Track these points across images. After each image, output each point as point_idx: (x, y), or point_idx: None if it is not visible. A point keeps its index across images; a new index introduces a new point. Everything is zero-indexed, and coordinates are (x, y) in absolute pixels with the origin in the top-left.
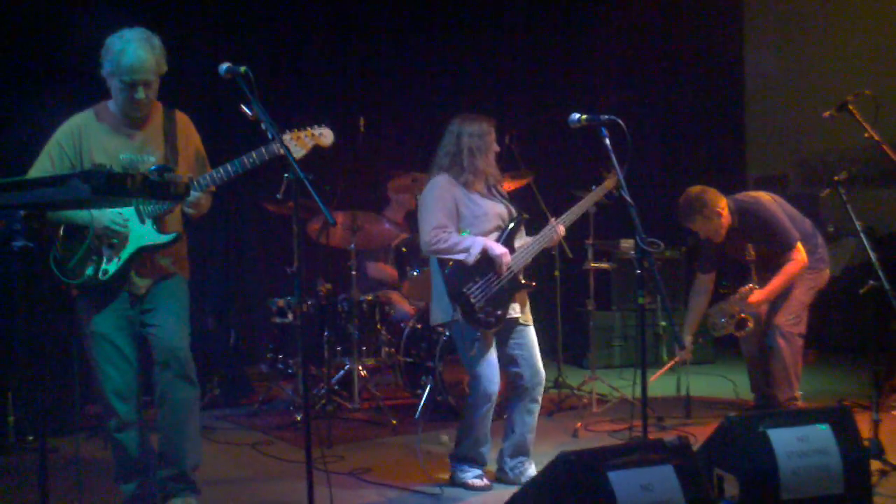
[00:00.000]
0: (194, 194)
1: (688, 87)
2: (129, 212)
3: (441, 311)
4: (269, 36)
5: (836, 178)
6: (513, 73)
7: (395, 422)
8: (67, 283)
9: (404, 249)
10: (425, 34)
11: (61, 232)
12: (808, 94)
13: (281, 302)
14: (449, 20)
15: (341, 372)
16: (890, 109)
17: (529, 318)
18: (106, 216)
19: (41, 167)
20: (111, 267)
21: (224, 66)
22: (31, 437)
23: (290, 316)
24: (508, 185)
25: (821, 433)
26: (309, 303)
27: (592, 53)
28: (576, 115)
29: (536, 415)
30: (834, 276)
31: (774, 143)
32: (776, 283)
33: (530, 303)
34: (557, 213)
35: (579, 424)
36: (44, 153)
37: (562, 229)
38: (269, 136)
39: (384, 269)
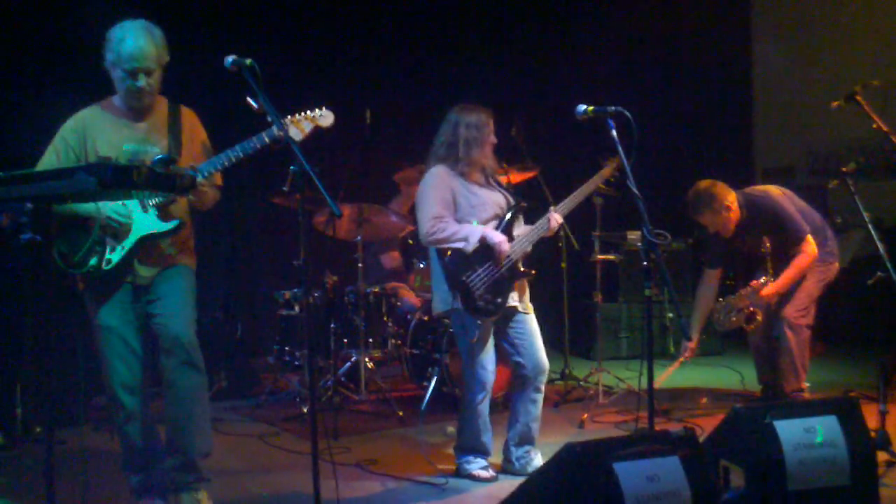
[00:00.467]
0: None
1: (695, 78)
2: (131, 201)
3: (441, 300)
4: (274, 28)
5: (844, 169)
6: (519, 65)
7: (401, 413)
8: (71, 274)
9: (411, 241)
10: (431, 26)
11: (60, 224)
12: (815, 85)
13: (287, 294)
14: (454, 11)
15: (348, 364)
16: None
17: (530, 307)
18: (109, 206)
19: (47, 162)
20: (114, 256)
21: (230, 58)
22: (38, 429)
23: (297, 308)
24: (515, 178)
25: (827, 424)
26: (316, 295)
27: (599, 45)
28: (582, 107)
29: (540, 404)
30: (842, 267)
31: (782, 135)
32: (787, 276)
33: (537, 294)
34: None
35: (585, 416)
36: (49, 149)
37: (558, 217)
38: (276, 128)
39: (398, 258)
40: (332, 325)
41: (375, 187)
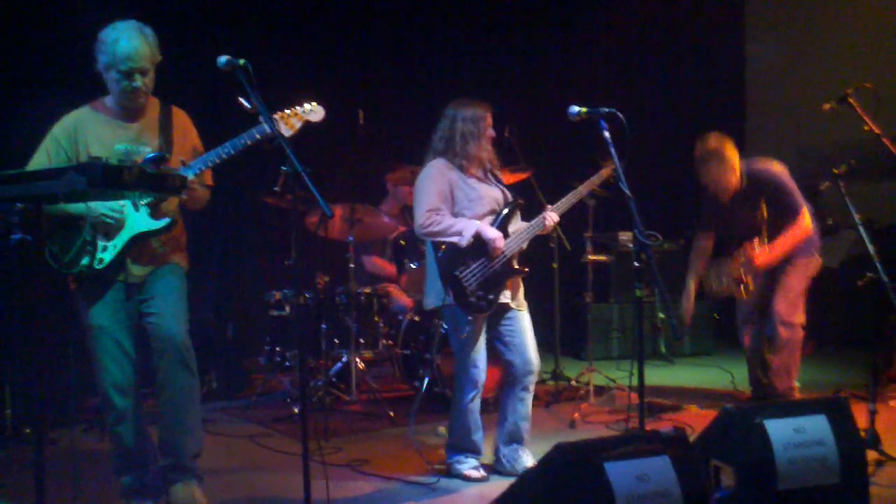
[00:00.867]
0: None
1: (688, 78)
2: (123, 200)
3: (434, 296)
4: (266, 28)
5: (835, 170)
6: (512, 66)
7: (392, 414)
8: (63, 274)
9: (402, 242)
10: (425, 26)
11: (51, 224)
12: (808, 87)
13: (278, 295)
14: (448, 12)
15: (339, 364)
16: (890, 102)
17: (523, 304)
18: (101, 204)
19: (37, 163)
20: (106, 255)
21: (223, 58)
22: (28, 430)
23: (287, 309)
24: (508, 179)
25: (817, 424)
26: (307, 295)
27: (592, 46)
28: (575, 108)
29: (529, 403)
30: (832, 268)
31: (774, 136)
32: (781, 246)
33: (529, 295)
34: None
35: (576, 415)
36: (40, 149)
37: (555, 216)
38: (268, 129)
39: (379, 264)
40: (324, 326)
41: (368, 188)
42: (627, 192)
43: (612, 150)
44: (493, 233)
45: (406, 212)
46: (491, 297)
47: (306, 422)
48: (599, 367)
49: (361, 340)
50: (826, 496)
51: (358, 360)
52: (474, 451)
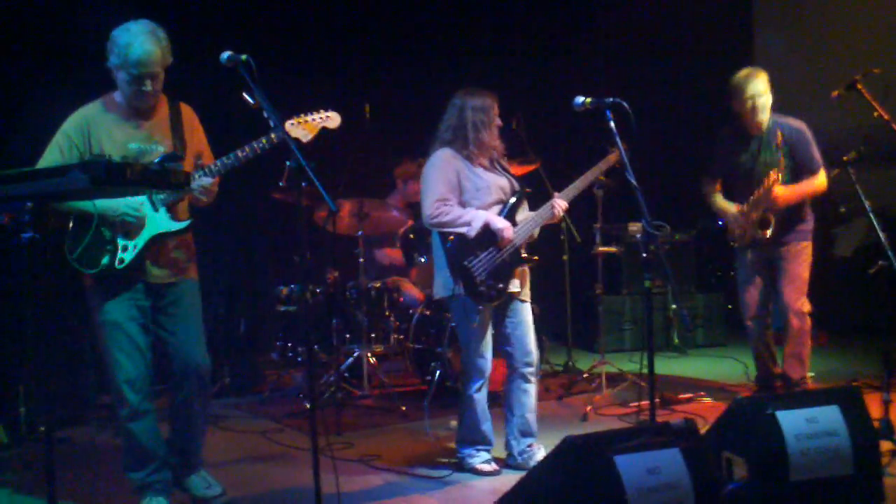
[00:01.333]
0: (206, 180)
1: (697, 67)
2: (141, 199)
3: (442, 286)
4: (272, 23)
5: (845, 158)
6: (519, 57)
7: (404, 408)
8: (84, 273)
9: (412, 236)
10: (431, 20)
11: (71, 223)
12: (817, 74)
13: (285, 290)
14: (455, 4)
15: (350, 359)
16: None
17: (528, 295)
18: (121, 205)
19: (50, 159)
20: (127, 255)
21: (226, 54)
22: (42, 428)
23: (295, 304)
24: (516, 171)
25: (830, 414)
26: (318, 290)
27: (599, 36)
28: (580, 99)
29: (532, 395)
30: (846, 256)
31: None
32: (799, 189)
33: (540, 287)
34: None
35: (589, 408)
36: (52, 144)
37: (563, 203)
38: (272, 123)
39: (391, 255)
40: (334, 321)
41: (375, 182)
42: (634, 182)
43: (618, 140)
44: (501, 222)
45: (413, 206)
46: (501, 286)
47: (315, 417)
48: (612, 359)
49: (373, 335)
50: (839, 487)
51: (369, 354)
52: (484, 442)
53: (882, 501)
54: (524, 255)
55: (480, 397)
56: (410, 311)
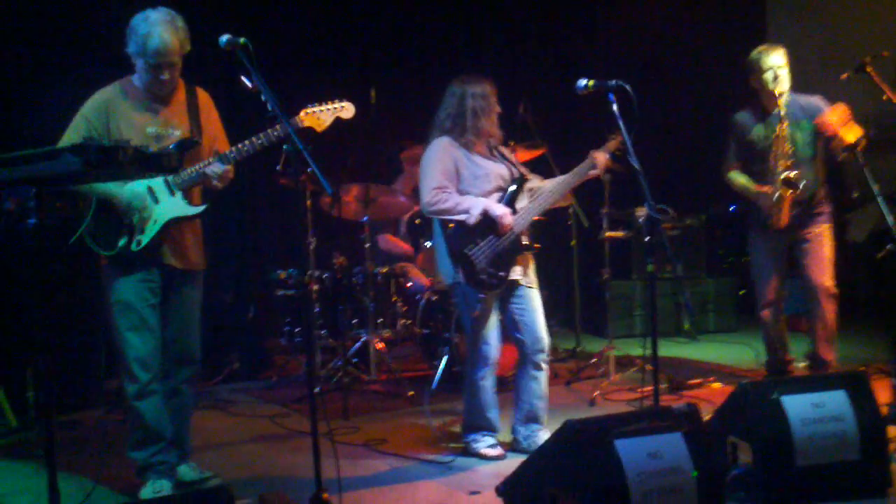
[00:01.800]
0: (218, 166)
1: (709, 50)
2: (158, 183)
3: (444, 274)
4: (277, 7)
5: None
6: (525, 41)
7: (411, 393)
8: (102, 255)
9: (418, 221)
10: (436, 3)
11: (93, 205)
12: (828, 56)
13: (283, 274)
14: None
15: (357, 344)
16: None
17: (534, 281)
18: (136, 185)
19: (69, 141)
20: (144, 238)
21: (224, 37)
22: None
23: (295, 288)
24: (523, 156)
25: (836, 399)
26: (324, 276)
27: (607, 17)
28: (582, 81)
29: (543, 382)
30: (858, 242)
31: None
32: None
33: (549, 273)
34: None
35: (596, 393)
36: (71, 127)
37: (604, 155)
38: (269, 107)
39: (393, 242)
40: (340, 307)
41: (381, 167)
42: (637, 165)
43: (621, 123)
44: (500, 209)
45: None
46: (501, 273)
47: (314, 402)
48: (622, 344)
49: (380, 320)
50: (846, 472)
51: (377, 339)
52: (490, 428)
53: (889, 487)
54: (525, 242)
55: (487, 384)
56: (417, 297)
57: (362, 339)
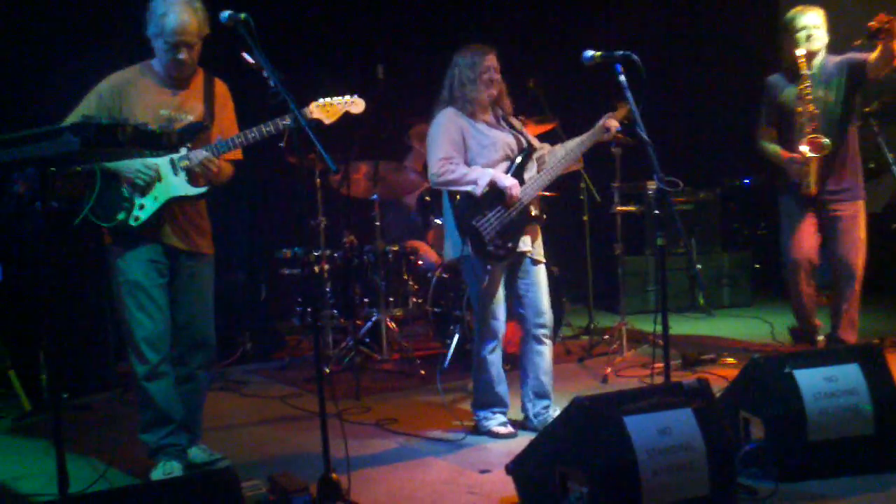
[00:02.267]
0: (203, 153)
1: (720, 22)
2: (162, 161)
3: (452, 247)
4: None
5: (867, 109)
6: (536, 14)
7: (423, 372)
8: (101, 227)
9: (428, 198)
10: None
11: (98, 183)
12: (842, 22)
13: (287, 253)
14: None
15: (369, 323)
16: None
17: (541, 254)
18: (136, 163)
19: (77, 116)
20: (143, 214)
21: (225, 13)
22: (65, 395)
23: (300, 267)
24: (533, 130)
25: (850, 373)
26: (335, 255)
27: None
28: (589, 53)
29: (547, 357)
30: (875, 213)
31: None
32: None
33: (559, 248)
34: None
35: (609, 370)
36: (83, 102)
37: (614, 122)
38: (271, 83)
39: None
40: (352, 286)
41: (391, 144)
42: (645, 136)
43: (629, 95)
44: (508, 180)
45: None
46: (510, 244)
47: (321, 379)
48: (635, 320)
49: (391, 299)
50: (859, 447)
51: (388, 318)
52: (499, 404)
53: None
54: (534, 213)
55: (494, 359)
56: (429, 275)
57: (374, 319)
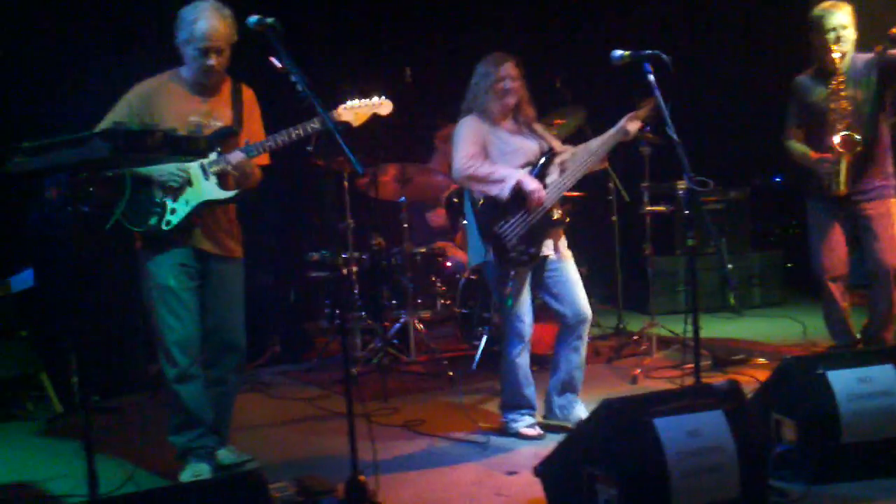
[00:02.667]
0: (240, 155)
1: (748, 18)
2: (193, 166)
3: (475, 253)
4: None
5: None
6: (563, 15)
7: (451, 374)
8: (133, 232)
9: (455, 200)
10: None
11: (128, 188)
12: (867, 22)
13: (315, 256)
14: None
15: (397, 325)
16: None
17: (567, 253)
18: (167, 167)
19: (110, 122)
20: (174, 218)
21: (253, 18)
22: (96, 397)
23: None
24: (557, 122)
25: (884, 374)
26: (363, 257)
27: None
28: (618, 52)
29: (582, 353)
30: None
31: None
32: None
33: (588, 249)
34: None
35: (638, 371)
36: (114, 110)
37: (636, 123)
38: (299, 87)
39: (443, 214)
40: (380, 288)
41: (418, 146)
42: (674, 136)
43: (657, 93)
44: (533, 183)
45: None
46: (532, 250)
47: (349, 384)
48: (665, 321)
49: (419, 301)
50: (894, 449)
51: (416, 320)
52: (527, 406)
53: None
54: (556, 217)
55: (522, 361)
56: (457, 276)
57: (402, 320)
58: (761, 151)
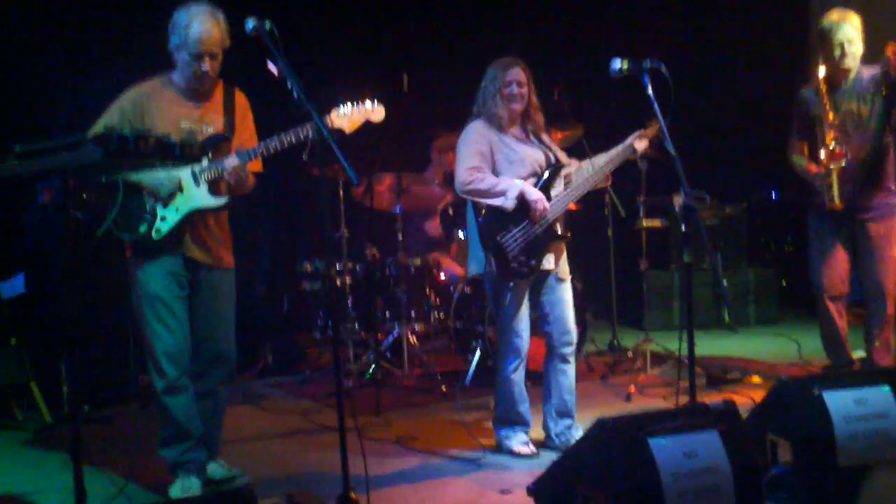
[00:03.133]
0: (236, 160)
1: (748, 31)
2: (183, 173)
3: (476, 263)
4: None
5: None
6: (563, 25)
7: (445, 388)
8: (123, 240)
9: (451, 211)
10: None
11: (120, 194)
12: (874, 27)
13: (308, 266)
14: None
15: (390, 338)
16: None
17: (566, 273)
18: (159, 173)
19: (102, 127)
20: (164, 226)
21: (250, 23)
22: (86, 407)
23: (321, 280)
24: (556, 136)
25: (880, 396)
26: (357, 268)
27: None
28: (616, 64)
29: (570, 375)
30: None
31: None
32: None
33: (583, 263)
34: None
35: (633, 388)
36: (105, 114)
37: (643, 142)
38: (295, 94)
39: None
40: (373, 299)
41: (414, 156)
42: (672, 151)
43: (656, 107)
44: (536, 194)
45: (449, 179)
46: (533, 262)
47: (341, 397)
48: (660, 337)
49: (413, 313)
50: (891, 472)
51: (410, 333)
52: (521, 423)
53: None
54: (559, 231)
55: (517, 377)
56: (451, 289)
57: (395, 333)
58: (758, 166)
